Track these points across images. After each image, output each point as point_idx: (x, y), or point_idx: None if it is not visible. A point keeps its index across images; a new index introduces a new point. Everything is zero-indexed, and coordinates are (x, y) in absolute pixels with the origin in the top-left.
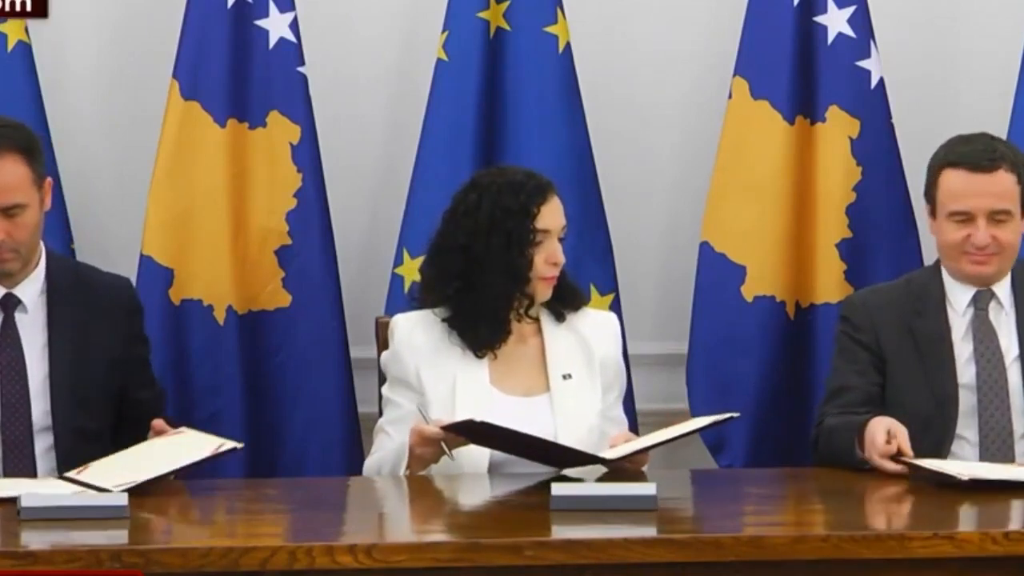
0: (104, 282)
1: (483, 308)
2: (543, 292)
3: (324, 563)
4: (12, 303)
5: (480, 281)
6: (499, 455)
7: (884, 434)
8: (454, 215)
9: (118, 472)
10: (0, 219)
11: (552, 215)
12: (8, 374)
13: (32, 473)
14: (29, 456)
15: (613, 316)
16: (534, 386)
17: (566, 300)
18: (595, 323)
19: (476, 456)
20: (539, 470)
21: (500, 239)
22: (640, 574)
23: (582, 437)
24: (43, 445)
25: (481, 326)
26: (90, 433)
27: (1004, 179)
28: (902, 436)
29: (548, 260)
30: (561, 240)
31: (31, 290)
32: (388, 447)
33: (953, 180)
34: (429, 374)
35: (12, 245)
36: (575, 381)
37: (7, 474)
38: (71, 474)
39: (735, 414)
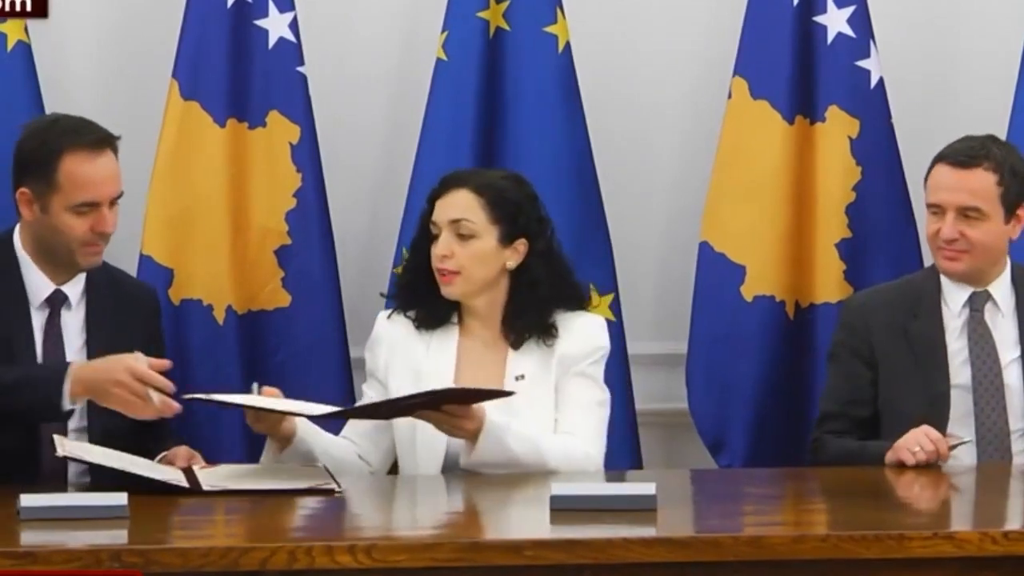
0: (132, 284)
1: (400, 291)
2: (441, 287)
3: (324, 563)
4: (59, 299)
5: (402, 271)
6: (453, 454)
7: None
8: None
9: (227, 478)
10: (108, 210)
11: (442, 208)
12: (55, 366)
13: (63, 473)
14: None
15: (593, 318)
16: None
17: (527, 326)
18: (567, 325)
19: (432, 457)
20: (496, 471)
21: (416, 232)
22: (640, 574)
23: None
24: None
25: (407, 306)
26: (120, 433)
27: (981, 177)
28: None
29: (434, 253)
30: (463, 237)
31: (75, 288)
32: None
33: (935, 173)
34: (396, 370)
35: (110, 235)
36: (528, 381)
37: (42, 472)
38: (195, 467)
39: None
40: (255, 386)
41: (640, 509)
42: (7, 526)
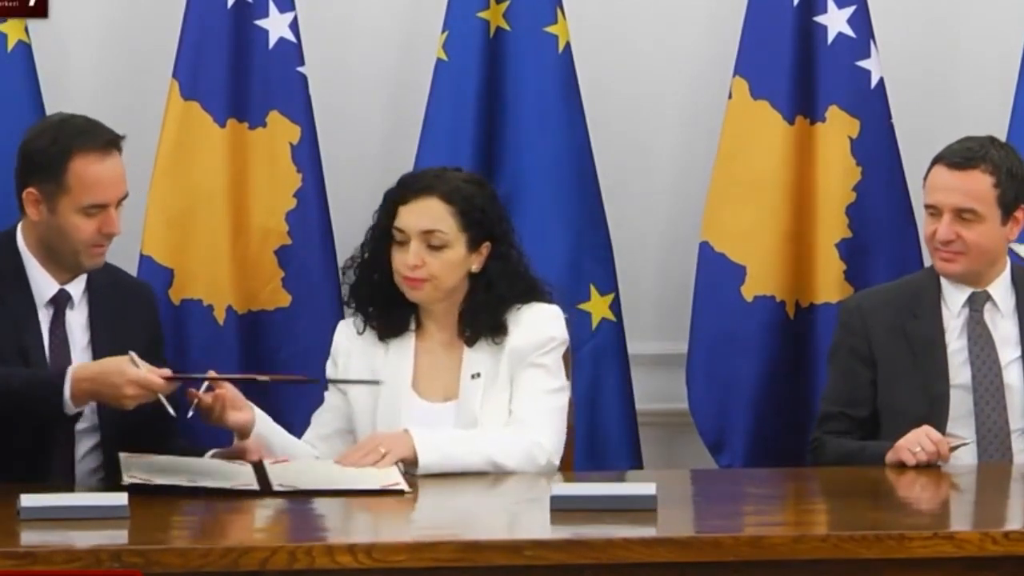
0: (130, 281)
1: (359, 296)
2: (407, 292)
3: (324, 563)
4: (64, 299)
5: (357, 273)
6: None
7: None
8: None
9: (298, 477)
10: (115, 212)
11: (410, 216)
12: (56, 372)
13: (70, 473)
14: (70, 455)
15: (547, 308)
16: (451, 390)
17: (478, 327)
18: (518, 318)
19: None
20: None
21: (371, 234)
22: (640, 574)
23: None
24: (87, 444)
25: (366, 314)
26: (132, 428)
27: (977, 179)
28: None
29: (403, 262)
30: (436, 248)
31: (78, 287)
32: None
33: (933, 174)
34: (357, 376)
35: (115, 235)
36: (482, 379)
37: (53, 471)
38: (267, 462)
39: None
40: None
41: (640, 509)
42: (7, 526)
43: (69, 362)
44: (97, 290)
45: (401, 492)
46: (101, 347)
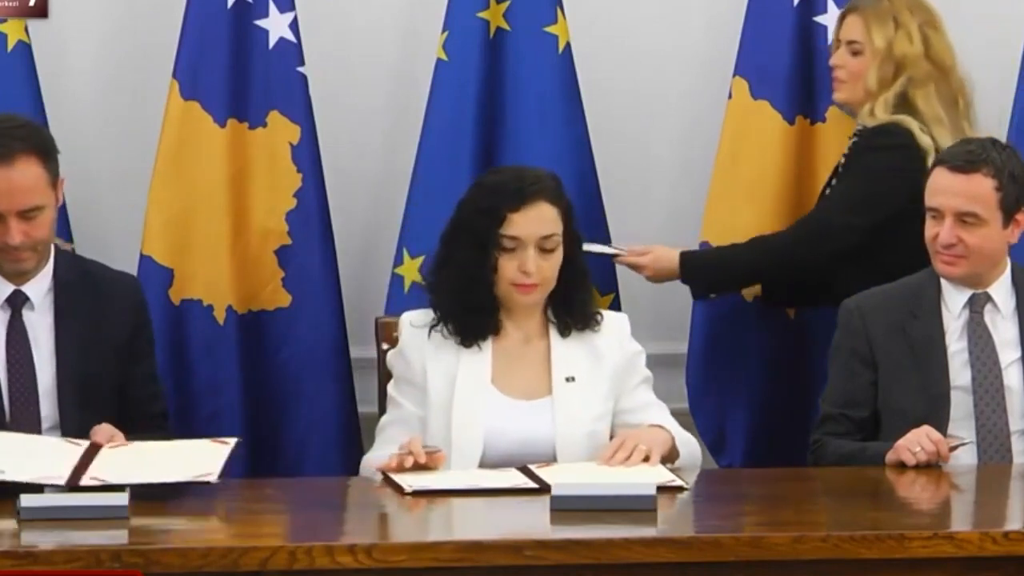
0: (111, 278)
1: (446, 302)
2: (517, 298)
3: (324, 563)
4: (20, 300)
5: (442, 276)
6: (492, 454)
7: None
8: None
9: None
10: (18, 221)
11: (526, 223)
12: (16, 372)
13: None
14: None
15: (622, 316)
16: (537, 388)
17: (574, 316)
18: (604, 326)
19: (469, 464)
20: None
21: (464, 238)
22: (640, 574)
23: (579, 441)
24: None
25: (449, 319)
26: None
27: (980, 183)
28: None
29: (519, 268)
30: (549, 251)
31: (39, 288)
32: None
33: (934, 177)
34: (433, 372)
35: (30, 244)
36: (579, 384)
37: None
38: (533, 467)
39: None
40: None
41: (640, 509)
42: (7, 526)
43: (31, 364)
44: (65, 290)
45: (681, 489)
46: (66, 349)
